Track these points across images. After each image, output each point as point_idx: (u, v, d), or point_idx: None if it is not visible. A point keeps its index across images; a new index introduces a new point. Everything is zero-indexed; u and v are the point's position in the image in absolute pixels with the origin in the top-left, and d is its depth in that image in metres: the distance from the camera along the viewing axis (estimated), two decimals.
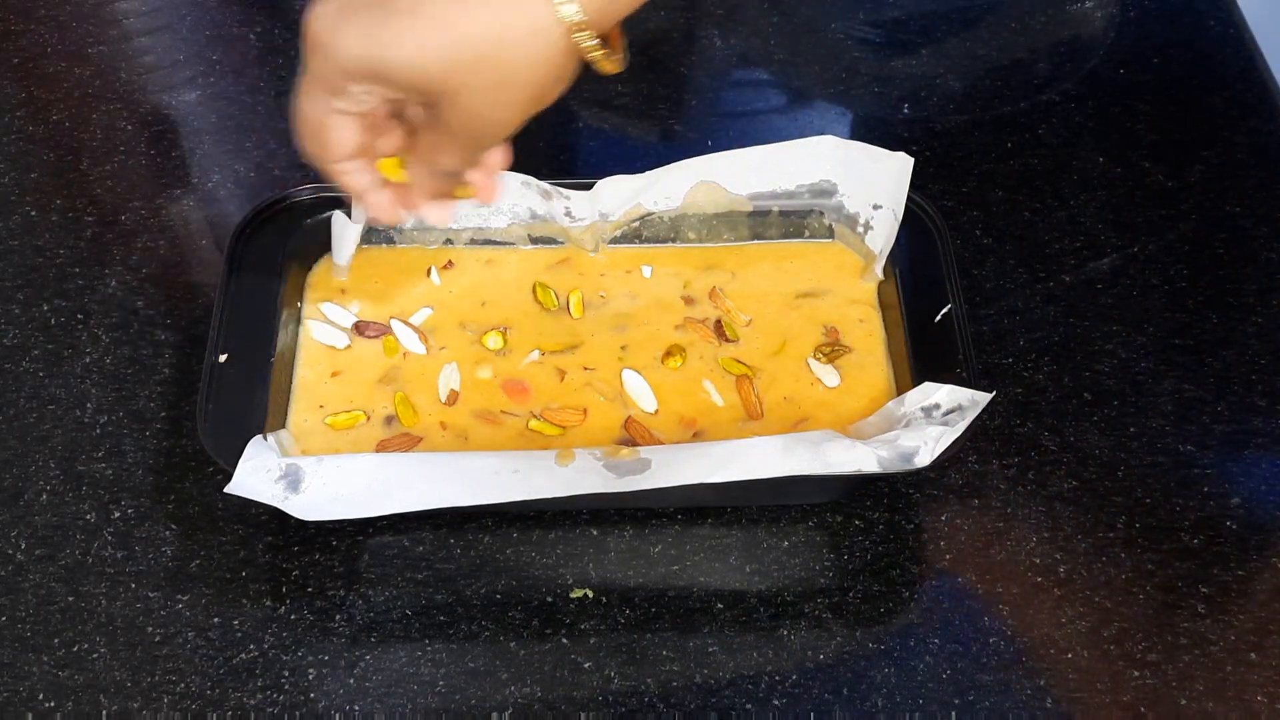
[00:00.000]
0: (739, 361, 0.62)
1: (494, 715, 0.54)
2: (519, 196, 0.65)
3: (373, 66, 0.46)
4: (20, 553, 0.58)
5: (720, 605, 0.57)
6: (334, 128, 0.50)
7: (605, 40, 0.48)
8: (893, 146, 0.64)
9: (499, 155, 0.53)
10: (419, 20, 0.45)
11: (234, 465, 0.53)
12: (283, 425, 0.59)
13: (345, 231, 0.64)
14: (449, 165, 0.51)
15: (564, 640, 0.56)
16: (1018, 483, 0.61)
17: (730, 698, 0.54)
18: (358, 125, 0.50)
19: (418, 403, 0.60)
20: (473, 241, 0.66)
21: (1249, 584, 0.58)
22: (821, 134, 0.65)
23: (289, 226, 0.64)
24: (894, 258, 0.64)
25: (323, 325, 0.63)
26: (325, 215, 0.64)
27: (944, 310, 0.60)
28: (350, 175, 0.53)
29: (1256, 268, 0.69)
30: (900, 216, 0.63)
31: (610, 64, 0.49)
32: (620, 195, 0.65)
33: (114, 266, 0.68)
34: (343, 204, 0.64)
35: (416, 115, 0.51)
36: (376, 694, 0.54)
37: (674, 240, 0.66)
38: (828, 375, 0.62)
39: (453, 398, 0.61)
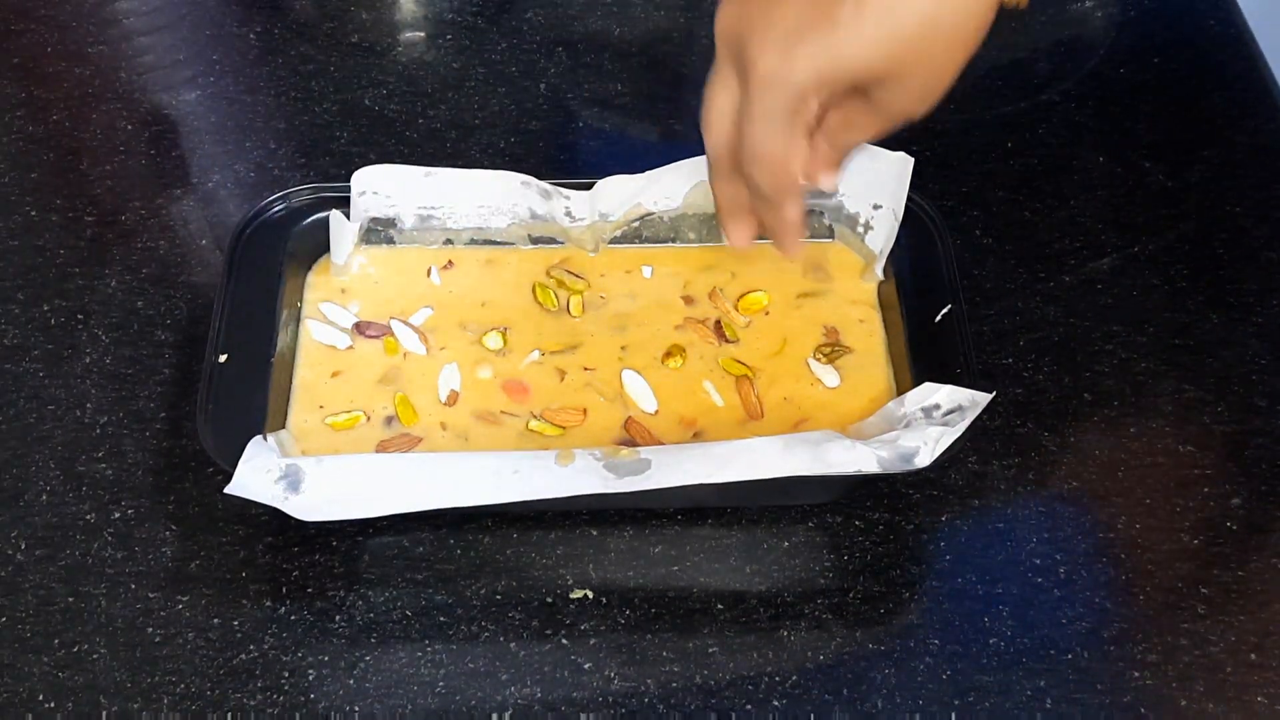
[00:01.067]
0: (739, 362, 0.62)
1: (494, 716, 0.54)
2: (519, 196, 0.65)
3: (829, 76, 0.48)
4: (20, 553, 0.58)
5: (720, 606, 0.57)
6: (796, 151, 0.52)
7: None
8: (893, 146, 0.63)
9: None
10: (865, 18, 0.47)
11: (234, 466, 0.53)
12: (283, 425, 0.59)
13: (343, 231, 0.64)
14: (862, 139, 0.53)
15: (564, 641, 0.56)
16: (1018, 483, 0.61)
17: (730, 698, 0.54)
18: (806, 141, 0.52)
19: (418, 403, 0.60)
20: (473, 241, 0.66)
21: (1249, 585, 0.58)
22: None
23: (289, 226, 0.64)
24: (894, 258, 0.64)
25: (323, 325, 0.63)
26: (325, 215, 0.64)
27: (944, 310, 0.60)
28: (797, 204, 0.54)
29: (1257, 268, 0.69)
30: (900, 216, 0.63)
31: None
32: (620, 195, 0.65)
33: (114, 266, 0.68)
34: (342, 203, 0.64)
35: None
36: (376, 695, 0.54)
37: (674, 240, 0.66)
38: (828, 376, 0.62)
39: (453, 398, 0.61)
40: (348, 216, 0.64)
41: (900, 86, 0.49)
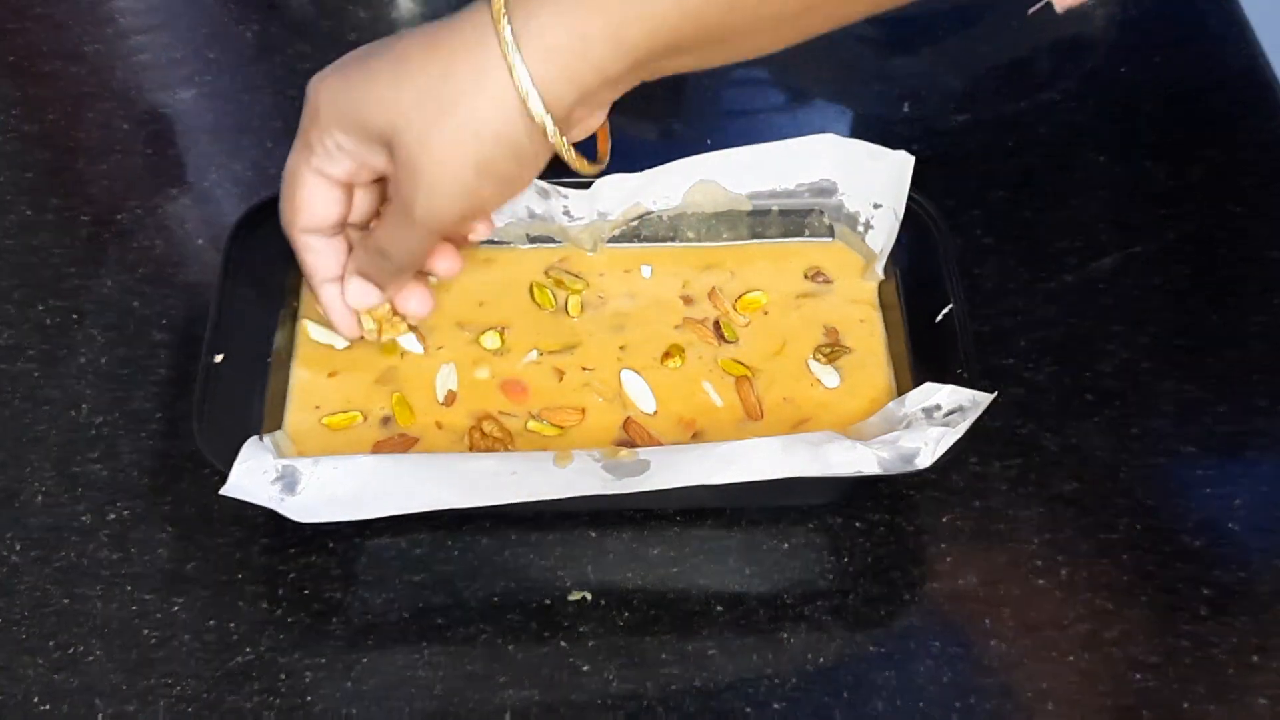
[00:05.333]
0: (738, 362, 0.62)
1: (492, 718, 0.53)
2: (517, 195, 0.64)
3: (343, 112, 0.48)
4: (15, 554, 0.57)
5: (720, 608, 0.57)
6: (306, 185, 0.51)
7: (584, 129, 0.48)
8: (893, 145, 0.63)
9: (470, 229, 0.54)
10: (394, 67, 0.47)
11: (230, 466, 0.53)
12: (279, 426, 0.59)
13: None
14: (400, 250, 0.52)
15: (562, 643, 0.55)
16: (1019, 484, 0.61)
17: (729, 701, 0.54)
18: (331, 192, 0.52)
19: (415, 403, 0.60)
20: None
21: (1251, 586, 0.57)
22: (821, 133, 0.64)
23: None
24: (894, 257, 0.64)
25: (320, 325, 0.62)
26: None
27: (945, 310, 0.60)
28: (312, 252, 0.53)
29: (1258, 267, 0.69)
30: (901, 215, 0.63)
31: (580, 162, 0.49)
32: (619, 194, 0.64)
33: (110, 266, 0.68)
34: None
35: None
36: (373, 697, 0.54)
37: (673, 240, 0.66)
38: (828, 376, 0.61)
39: (450, 398, 0.60)
40: None
41: (406, 164, 0.48)
